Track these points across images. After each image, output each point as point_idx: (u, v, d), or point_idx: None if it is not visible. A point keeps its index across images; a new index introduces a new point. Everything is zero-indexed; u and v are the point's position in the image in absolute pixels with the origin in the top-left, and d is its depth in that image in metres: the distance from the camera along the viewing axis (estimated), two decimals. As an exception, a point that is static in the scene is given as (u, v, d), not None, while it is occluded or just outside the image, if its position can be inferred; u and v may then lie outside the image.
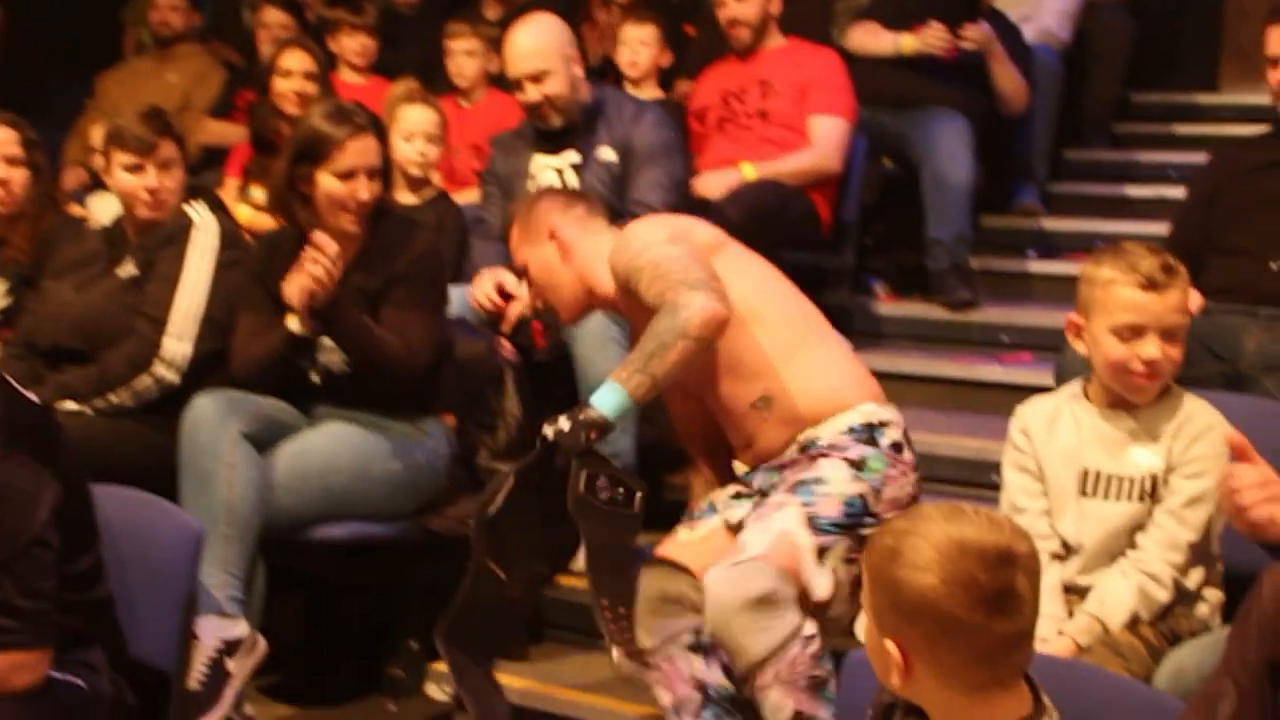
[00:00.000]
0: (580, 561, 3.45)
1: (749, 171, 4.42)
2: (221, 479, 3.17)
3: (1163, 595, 2.54)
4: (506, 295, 3.85)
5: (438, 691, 3.53)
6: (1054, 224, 5.28)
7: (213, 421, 3.23)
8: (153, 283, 3.51)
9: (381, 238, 3.42)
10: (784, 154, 4.46)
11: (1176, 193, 4.84)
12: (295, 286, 3.24)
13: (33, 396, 2.50)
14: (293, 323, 3.33)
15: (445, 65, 5.24)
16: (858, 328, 4.70)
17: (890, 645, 1.68)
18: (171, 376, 3.44)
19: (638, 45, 5.04)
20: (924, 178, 4.80)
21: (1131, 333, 2.53)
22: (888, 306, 4.96)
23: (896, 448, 2.81)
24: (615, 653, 2.76)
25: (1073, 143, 5.73)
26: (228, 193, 4.69)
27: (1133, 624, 2.52)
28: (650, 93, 4.97)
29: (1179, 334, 2.57)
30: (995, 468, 2.86)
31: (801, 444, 2.83)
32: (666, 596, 2.80)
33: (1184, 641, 2.53)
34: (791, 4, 4.69)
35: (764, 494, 2.83)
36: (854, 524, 2.69)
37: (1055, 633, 2.51)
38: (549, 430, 2.72)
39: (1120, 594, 2.54)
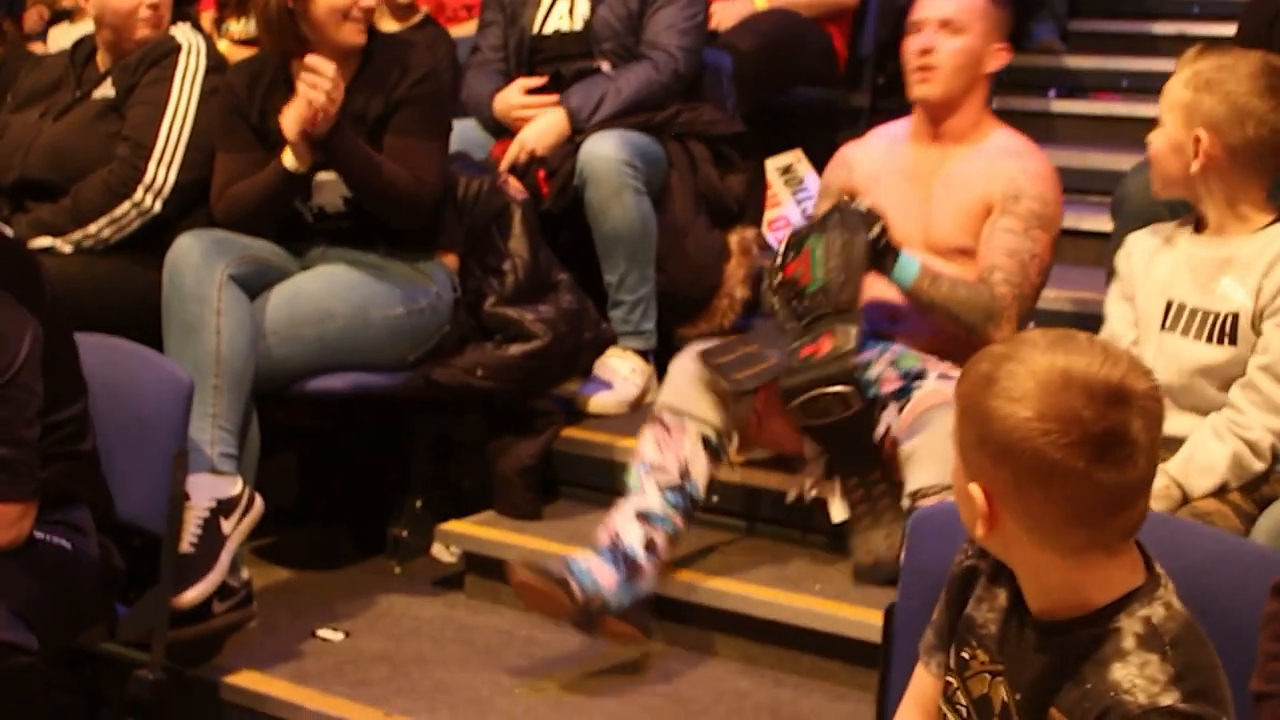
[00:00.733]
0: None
1: (761, 1, 4.28)
2: (209, 326, 3.01)
3: (1259, 466, 2.35)
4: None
5: (445, 553, 3.41)
6: (1076, 61, 5.17)
7: (197, 264, 3.06)
8: (135, 106, 3.31)
9: (377, 60, 3.24)
10: (797, -21, 4.34)
11: (1200, 29, 4.77)
12: (292, 116, 3.07)
13: (8, 231, 2.36)
14: (288, 159, 3.15)
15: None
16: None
17: (975, 490, 1.47)
18: (154, 204, 3.25)
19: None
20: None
21: None
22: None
23: None
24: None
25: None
26: (203, 26, 4.44)
27: (1219, 490, 2.34)
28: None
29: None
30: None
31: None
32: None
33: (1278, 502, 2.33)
34: None
35: None
36: None
37: None
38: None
39: (1214, 458, 2.34)
